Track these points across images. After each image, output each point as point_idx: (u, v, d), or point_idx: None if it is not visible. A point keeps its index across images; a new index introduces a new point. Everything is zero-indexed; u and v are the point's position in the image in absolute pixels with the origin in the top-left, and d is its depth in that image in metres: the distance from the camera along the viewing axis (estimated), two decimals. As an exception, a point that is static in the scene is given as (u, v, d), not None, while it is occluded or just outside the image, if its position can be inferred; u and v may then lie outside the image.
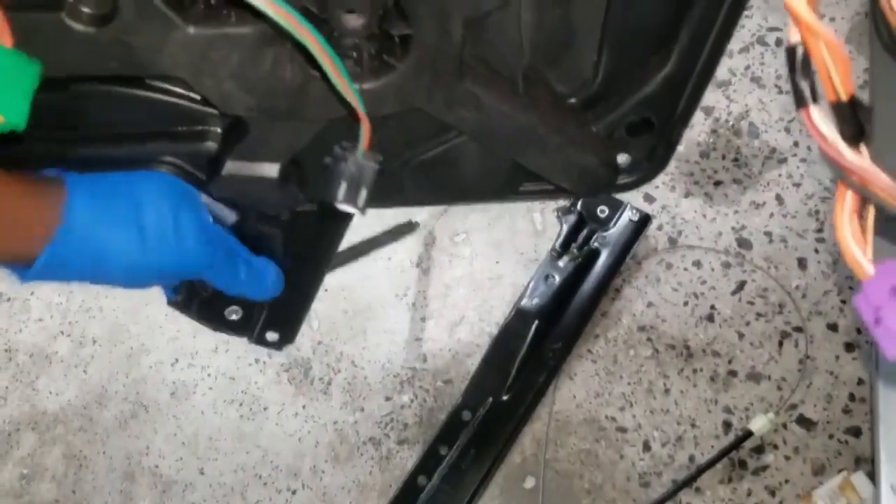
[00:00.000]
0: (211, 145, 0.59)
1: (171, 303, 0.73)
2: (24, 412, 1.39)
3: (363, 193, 0.54)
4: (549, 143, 0.61)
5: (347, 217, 0.72)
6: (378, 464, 1.20)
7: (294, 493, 1.20)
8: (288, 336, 0.79)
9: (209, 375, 1.35)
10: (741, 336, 1.15)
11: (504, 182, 0.68)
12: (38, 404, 1.40)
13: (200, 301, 0.73)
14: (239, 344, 1.40)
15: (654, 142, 0.65)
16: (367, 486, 1.18)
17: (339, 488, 1.19)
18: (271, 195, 0.63)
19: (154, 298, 1.47)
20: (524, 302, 1.24)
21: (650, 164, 0.67)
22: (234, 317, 0.74)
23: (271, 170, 0.60)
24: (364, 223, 1.42)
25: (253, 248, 0.70)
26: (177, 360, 1.38)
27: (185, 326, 1.41)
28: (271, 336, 0.77)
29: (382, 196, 0.61)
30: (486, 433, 1.17)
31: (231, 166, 0.60)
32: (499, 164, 0.66)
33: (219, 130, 0.59)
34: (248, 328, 0.77)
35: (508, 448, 1.17)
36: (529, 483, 1.14)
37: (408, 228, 1.15)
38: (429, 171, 0.65)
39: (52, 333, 1.46)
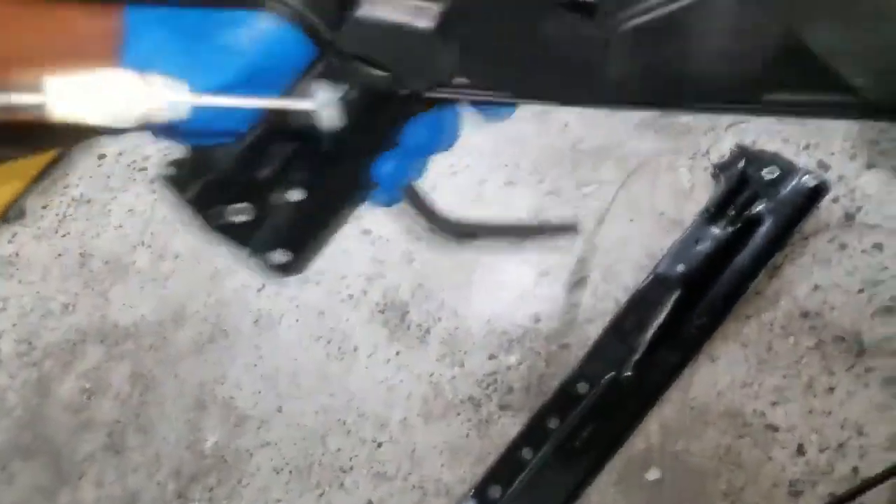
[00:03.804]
0: None
1: (162, 177, 0.50)
2: (93, 322, 1.29)
3: None
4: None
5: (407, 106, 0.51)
6: (476, 427, 1.05)
7: (379, 445, 1.06)
8: (301, 262, 0.54)
9: (297, 307, 1.22)
10: (929, 336, 0.96)
11: (750, 78, 0.49)
12: (109, 315, 1.29)
13: (205, 183, 0.50)
14: (333, 277, 1.28)
15: None
16: (461, 449, 1.04)
17: (430, 447, 1.05)
18: (420, 54, 0.46)
19: (243, 219, 1.35)
20: (665, 266, 1.07)
21: None
22: (237, 218, 0.51)
23: (424, 16, 0.44)
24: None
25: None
26: (263, 286, 1.25)
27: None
28: (280, 256, 0.55)
29: (576, 87, 0.43)
30: (606, 411, 1.01)
31: (367, 8, 0.44)
32: (749, 44, 0.48)
33: None
34: (250, 237, 0.52)
35: (631, 431, 1.01)
36: (653, 475, 0.98)
37: (566, 229, 0.88)
38: (648, 43, 0.48)
39: (131, 243, 1.36)
